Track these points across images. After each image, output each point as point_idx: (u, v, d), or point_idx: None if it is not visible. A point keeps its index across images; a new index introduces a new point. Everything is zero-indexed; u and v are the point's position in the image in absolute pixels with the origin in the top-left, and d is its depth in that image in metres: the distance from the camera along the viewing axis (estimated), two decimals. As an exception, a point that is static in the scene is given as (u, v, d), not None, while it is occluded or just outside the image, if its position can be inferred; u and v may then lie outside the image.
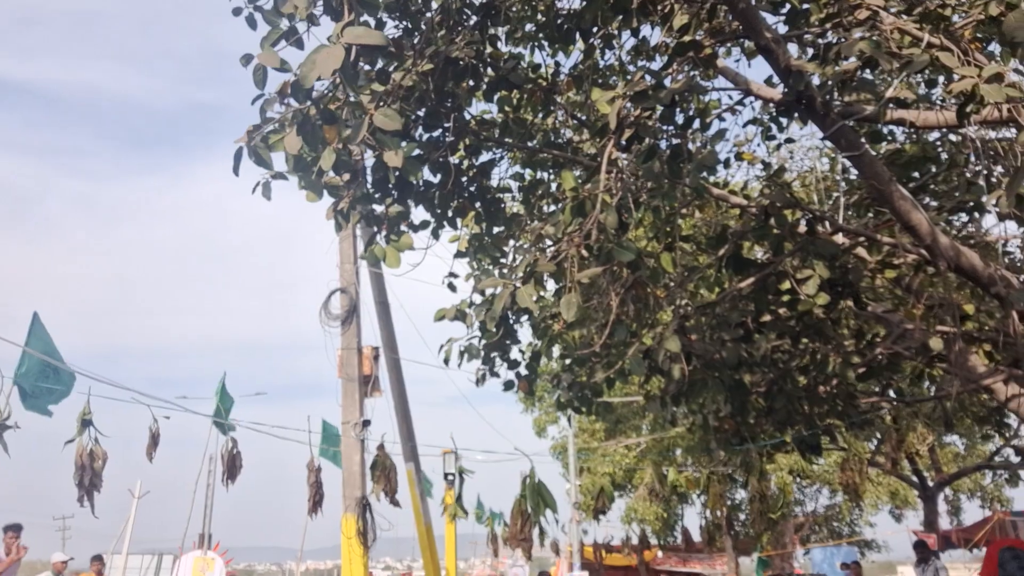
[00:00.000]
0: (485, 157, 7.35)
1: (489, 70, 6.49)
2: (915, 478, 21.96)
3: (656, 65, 6.36)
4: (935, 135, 8.10)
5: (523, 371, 6.84)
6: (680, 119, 5.13)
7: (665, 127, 4.95)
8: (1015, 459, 15.88)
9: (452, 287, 7.55)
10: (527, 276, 4.54)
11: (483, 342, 6.38)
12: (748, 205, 5.99)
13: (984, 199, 5.99)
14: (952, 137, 7.98)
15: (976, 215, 8.08)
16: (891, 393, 7.25)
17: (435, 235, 7.00)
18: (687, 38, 5.45)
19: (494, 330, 5.50)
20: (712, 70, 5.68)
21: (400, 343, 12.69)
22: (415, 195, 6.64)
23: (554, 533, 17.68)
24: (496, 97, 7.09)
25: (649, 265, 5.20)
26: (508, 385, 6.78)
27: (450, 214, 6.99)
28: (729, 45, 6.51)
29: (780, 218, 5.68)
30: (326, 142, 4.29)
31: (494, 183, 7.51)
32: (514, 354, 6.83)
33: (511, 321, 6.25)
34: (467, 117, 6.82)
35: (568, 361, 6.96)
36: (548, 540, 15.65)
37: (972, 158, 6.52)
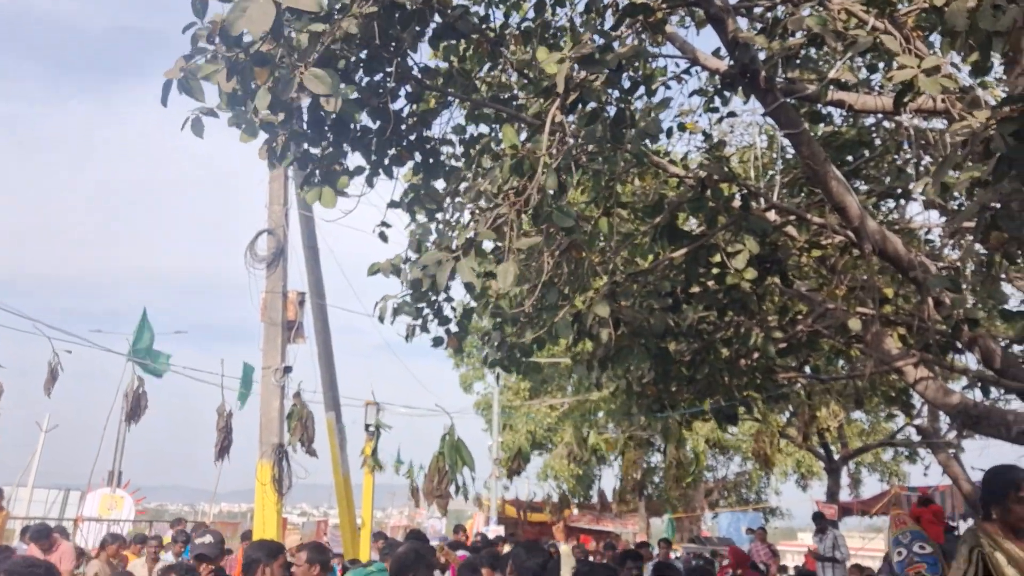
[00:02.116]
0: (427, 106, 7.19)
1: (436, 16, 6.32)
2: (822, 451, 22.91)
3: (607, 25, 6.28)
4: (870, 121, 8.26)
5: (453, 328, 6.79)
6: (626, 84, 5.08)
7: (610, 91, 4.89)
8: (916, 438, 16.70)
9: (384, 237, 7.42)
10: (467, 247, 4.45)
11: (405, 296, 6.31)
12: (686, 176, 6.01)
13: (912, 186, 6.13)
14: (886, 124, 8.16)
15: (903, 202, 8.32)
16: (808, 370, 7.47)
17: (370, 183, 6.83)
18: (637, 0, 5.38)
19: (429, 290, 5.41)
20: (661, 36, 5.62)
21: (328, 290, 12.50)
22: (351, 139, 6.46)
23: (473, 490, 17.88)
24: (442, 45, 6.92)
25: (586, 229, 5.17)
26: (438, 341, 6.73)
27: (387, 162, 6.83)
28: (681, 13, 6.46)
29: (716, 191, 5.71)
30: (257, 83, 4.12)
31: (435, 134, 7.36)
32: (446, 310, 6.77)
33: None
34: (410, 64, 6.64)
35: (498, 320, 6.93)
36: (471, 496, 15.83)
37: (905, 146, 6.66)
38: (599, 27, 5.44)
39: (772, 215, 6.51)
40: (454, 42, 6.88)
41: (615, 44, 4.80)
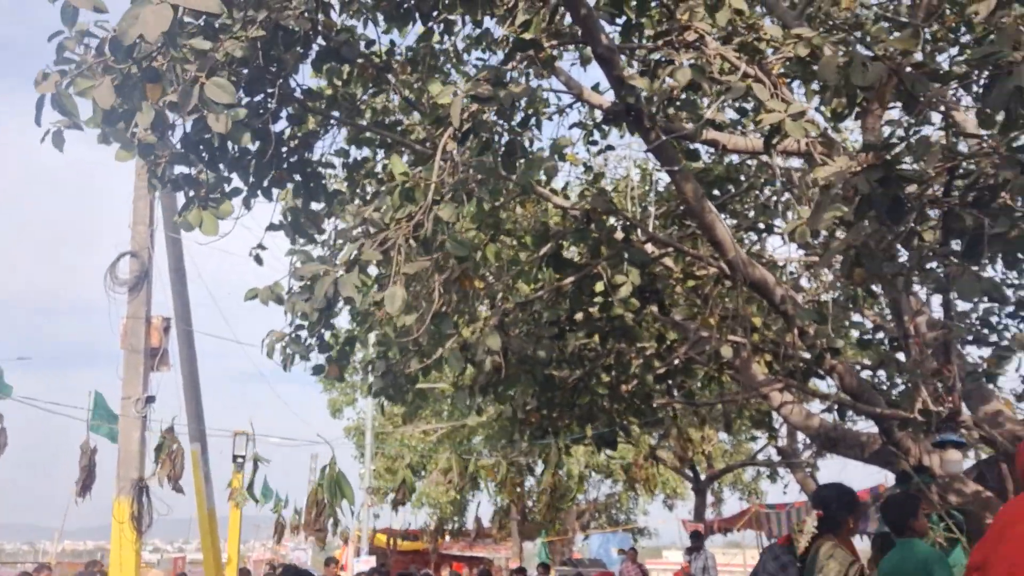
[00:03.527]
0: (310, 129, 7.05)
1: (320, 39, 6.23)
2: (690, 472, 23.79)
3: (493, 58, 6.39)
4: (735, 158, 8.75)
5: (334, 355, 6.63)
6: (517, 117, 5.17)
7: (502, 123, 4.96)
8: (777, 458, 17.68)
9: (259, 260, 7.21)
10: (351, 263, 4.37)
11: (295, 331, 6.13)
12: (572, 207, 6.15)
13: (782, 230, 6.51)
14: (751, 162, 8.66)
15: (765, 235, 8.83)
16: (683, 395, 7.77)
17: (247, 205, 6.62)
18: (527, 35, 5.49)
19: (315, 319, 5.27)
20: (548, 71, 5.76)
21: (193, 315, 11.93)
22: (229, 161, 6.25)
23: (348, 523, 17.40)
24: (325, 68, 6.82)
25: (474, 257, 5.20)
26: (318, 369, 6.56)
27: (265, 184, 6.65)
28: (568, 48, 6.64)
29: (600, 223, 5.87)
30: (146, 99, 3.92)
31: (317, 157, 7.22)
32: (326, 337, 6.61)
33: (331, 308, 6.04)
34: (293, 85, 6.51)
35: (383, 348, 6.83)
36: (340, 529, 15.36)
37: (777, 184, 7.08)
38: (488, 61, 5.52)
39: (650, 247, 6.76)
40: (337, 65, 6.80)
41: (508, 77, 4.88)
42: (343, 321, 11.88)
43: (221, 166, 6.17)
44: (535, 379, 5.86)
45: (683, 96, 5.29)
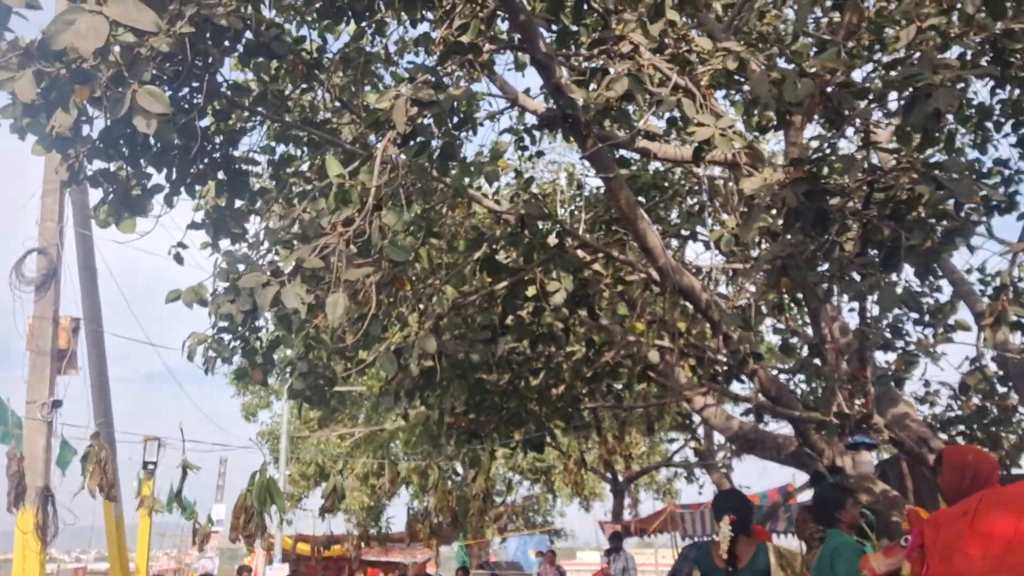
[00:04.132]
0: (235, 125, 6.87)
1: (248, 34, 6.07)
2: (608, 473, 24.12)
3: (428, 61, 6.34)
4: (662, 166, 8.94)
5: (259, 359, 6.46)
6: (454, 121, 5.15)
7: (439, 127, 4.93)
8: (694, 459, 18.12)
9: (179, 259, 6.98)
10: (294, 272, 4.27)
11: (218, 334, 5.95)
12: (506, 212, 6.17)
13: (710, 239, 6.68)
14: (675, 170, 8.87)
15: (688, 242, 9.05)
16: (610, 399, 7.89)
17: (169, 203, 6.39)
18: (465, 38, 5.48)
19: (240, 321, 5.12)
20: (485, 74, 5.77)
21: (104, 314, 11.42)
22: (151, 157, 6.03)
23: (274, 529, 16.84)
24: (253, 62, 6.66)
25: (410, 261, 5.15)
26: (241, 373, 6.38)
27: (188, 181, 6.44)
28: (502, 53, 6.66)
29: (533, 228, 5.91)
30: (73, 100, 3.75)
31: (242, 153, 7.04)
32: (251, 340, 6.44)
33: (257, 311, 5.89)
34: (219, 79, 6.33)
35: (304, 351, 6.70)
36: (266, 535, 14.93)
37: (703, 194, 7.26)
38: (423, 64, 5.49)
39: (580, 252, 6.84)
40: (265, 60, 6.65)
41: (447, 81, 4.86)
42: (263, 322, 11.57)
43: (142, 161, 5.95)
44: (466, 383, 5.84)
45: (618, 105, 5.38)
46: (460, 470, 18.85)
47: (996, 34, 5.70)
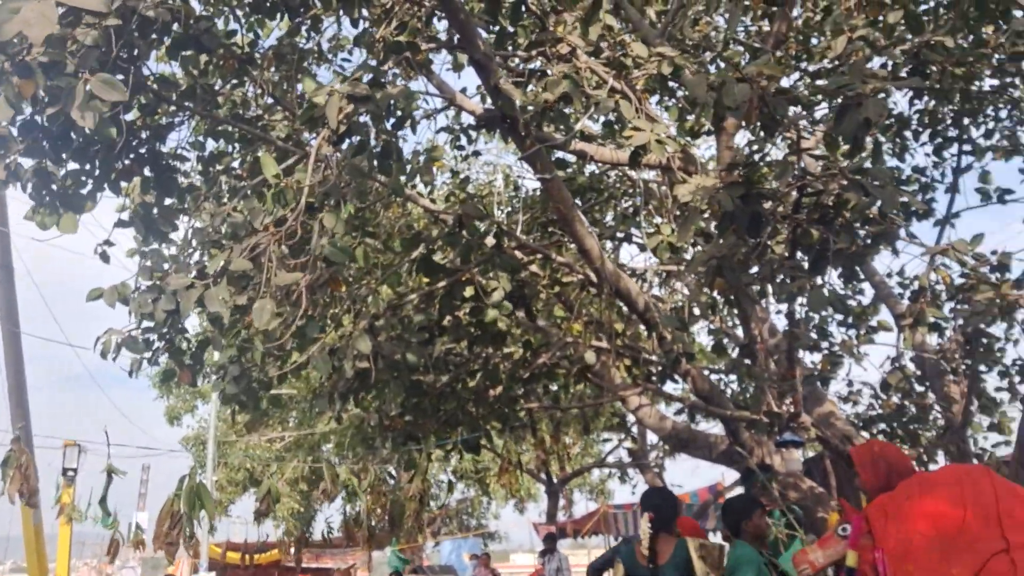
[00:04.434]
0: (163, 119, 6.66)
1: (177, 26, 5.90)
2: (543, 475, 24.23)
3: (364, 60, 6.27)
4: (597, 169, 9.03)
5: (187, 360, 6.27)
6: (392, 120, 5.10)
7: (376, 125, 4.87)
8: (627, 459, 18.33)
9: (106, 257, 6.74)
10: (220, 273, 4.14)
11: (144, 334, 5.74)
12: (443, 212, 6.14)
13: (646, 242, 6.77)
14: (611, 173, 8.97)
15: (623, 244, 9.16)
16: (547, 399, 7.92)
17: (93, 199, 6.16)
18: (403, 38, 5.44)
19: (163, 320, 4.95)
20: (423, 73, 5.73)
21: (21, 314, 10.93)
22: (73, 151, 5.81)
23: (202, 536, 16.28)
24: (181, 55, 6.48)
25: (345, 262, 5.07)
26: (168, 375, 6.18)
27: (113, 177, 6.22)
28: (439, 52, 6.63)
29: (471, 228, 5.89)
30: (16, 95, 3.58)
31: (170, 149, 6.82)
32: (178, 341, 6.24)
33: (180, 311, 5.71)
34: (146, 72, 6.13)
35: (238, 352, 6.53)
36: (192, 543, 14.44)
37: (637, 198, 7.35)
38: (357, 62, 5.42)
39: (517, 253, 6.85)
40: (194, 54, 6.47)
41: (384, 78, 4.81)
42: (194, 321, 11.24)
43: (64, 156, 5.73)
44: (403, 384, 5.78)
45: (556, 107, 5.40)
46: (395, 473, 18.63)
47: (917, 47, 5.94)
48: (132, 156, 6.33)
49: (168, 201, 6.74)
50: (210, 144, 7.57)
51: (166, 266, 6.41)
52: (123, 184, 6.37)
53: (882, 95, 4.06)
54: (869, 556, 3.38)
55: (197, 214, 7.23)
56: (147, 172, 6.42)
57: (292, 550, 24.26)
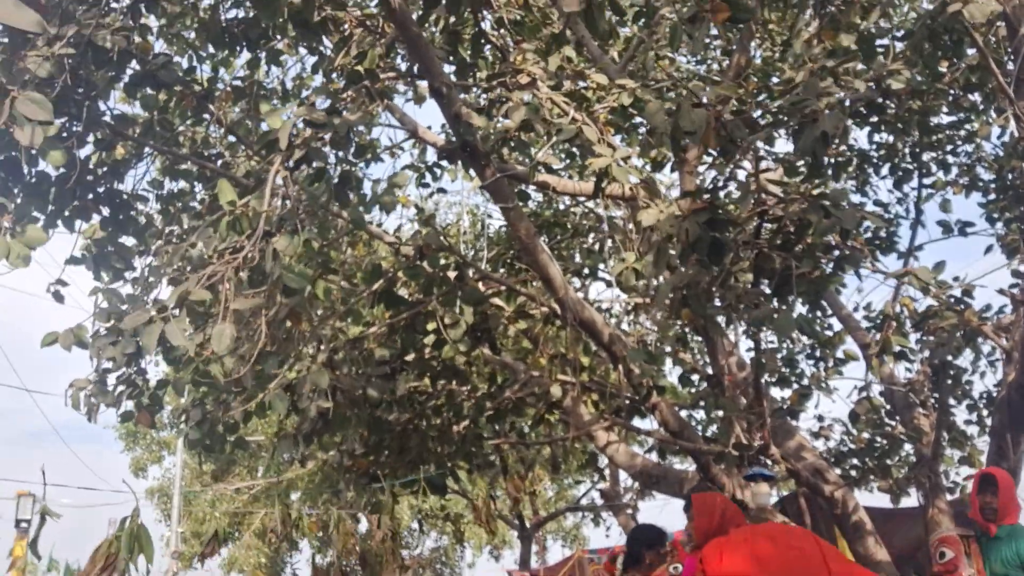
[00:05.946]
0: (120, 157, 6.55)
1: (135, 62, 5.85)
2: (516, 519, 23.80)
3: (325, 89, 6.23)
4: (563, 205, 9.05)
5: (145, 401, 6.07)
6: (352, 147, 5.05)
7: (336, 152, 4.81)
8: (600, 501, 18.09)
9: (59, 297, 6.55)
10: (179, 303, 4.01)
11: (101, 378, 5.57)
12: (403, 244, 6.06)
13: (612, 276, 6.73)
14: (577, 209, 8.98)
15: (590, 281, 9.14)
16: (514, 435, 7.77)
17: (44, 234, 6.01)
18: (362, 67, 5.41)
19: (124, 362, 4.79)
20: (384, 104, 5.70)
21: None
22: (26, 186, 5.68)
23: None
24: (140, 94, 6.41)
25: (304, 295, 4.96)
26: (127, 416, 5.98)
27: (67, 214, 6.10)
28: (401, 83, 6.62)
29: (433, 260, 5.81)
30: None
31: (128, 187, 6.71)
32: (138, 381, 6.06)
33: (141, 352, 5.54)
34: (103, 108, 6.05)
35: (201, 393, 6.34)
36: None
37: (603, 230, 7.33)
38: (327, 90, 5.38)
39: (481, 286, 6.77)
40: (153, 91, 6.40)
41: (343, 108, 4.76)
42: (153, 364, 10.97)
43: (16, 191, 5.61)
44: (364, 422, 5.63)
45: (518, 136, 5.39)
46: (363, 519, 18.21)
47: (875, 79, 6.03)
48: (90, 196, 6.23)
49: (124, 239, 6.61)
50: (169, 183, 7.46)
51: (124, 307, 6.23)
52: (78, 221, 6.25)
53: (837, 110, 4.09)
54: None
55: (157, 254, 7.08)
56: (104, 211, 6.31)
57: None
